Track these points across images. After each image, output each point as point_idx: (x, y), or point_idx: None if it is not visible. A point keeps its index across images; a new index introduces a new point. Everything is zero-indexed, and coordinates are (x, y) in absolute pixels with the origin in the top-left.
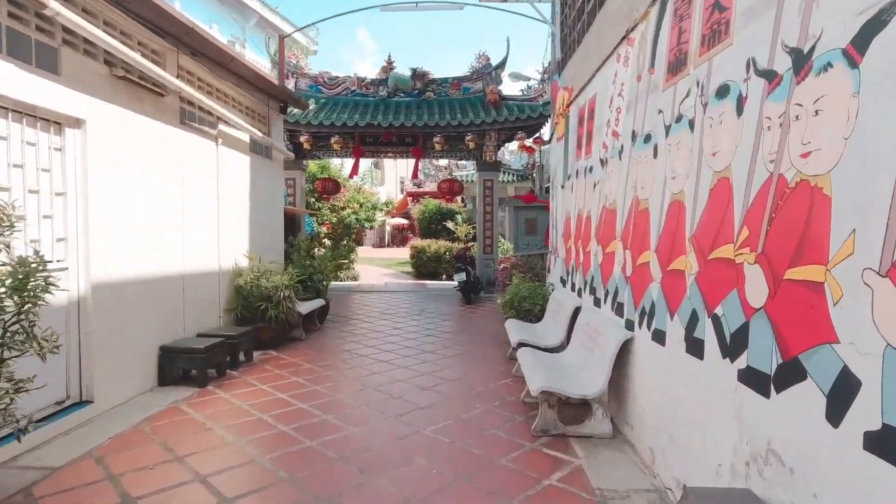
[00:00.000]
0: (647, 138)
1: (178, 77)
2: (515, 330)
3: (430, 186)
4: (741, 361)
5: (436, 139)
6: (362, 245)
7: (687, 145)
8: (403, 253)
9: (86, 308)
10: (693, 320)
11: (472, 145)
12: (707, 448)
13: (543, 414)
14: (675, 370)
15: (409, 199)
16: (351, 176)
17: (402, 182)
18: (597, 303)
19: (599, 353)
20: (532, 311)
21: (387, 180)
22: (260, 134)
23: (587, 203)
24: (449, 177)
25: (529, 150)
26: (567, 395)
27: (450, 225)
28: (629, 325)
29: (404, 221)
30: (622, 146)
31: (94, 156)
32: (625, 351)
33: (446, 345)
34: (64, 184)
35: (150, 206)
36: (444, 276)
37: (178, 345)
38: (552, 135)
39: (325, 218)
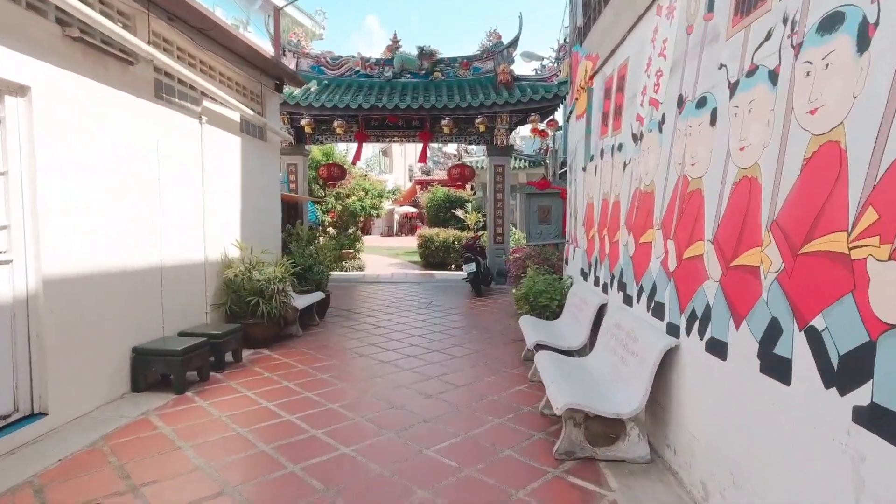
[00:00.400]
0: (702, 102)
1: (150, 44)
2: (531, 328)
3: (440, 174)
4: (860, 396)
5: (444, 122)
6: (370, 234)
7: (765, 104)
8: (412, 242)
9: (36, 306)
10: (773, 332)
11: (482, 128)
12: (796, 502)
13: (568, 434)
14: (741, 393)
15: (418, 186)
16: (354, 162)
17: (410, 170)
18: (627, 300)
19: (636, 362)
20: (549, 307)
21: (395, 168)
22: (251, 112)
23: (615, 186)
24: (459, 162)
25: (542, 134)
26: (597, 412)
27: (459, 213)
28: (672, 330)
29: (413, 210)
30: (663, 116)
31: (43, 129)
32: (665, 358)
33: (455, 343)
34: (5, 161)
35: (119, 189)
36: (452, 266)
37: (153, 346)
38: (570, 113)
39: (330, 206)
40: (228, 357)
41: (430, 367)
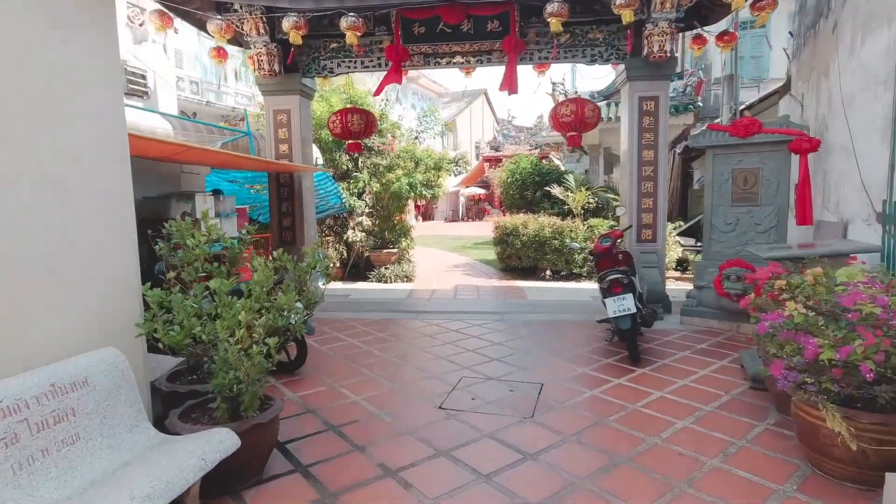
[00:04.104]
0: None
1: None
2: None
3: (510, 149)
4: None
5: (549, 10)
6: (432, 219)
7: None
8: (481, 229)
9: None
10: None
11: (627, 18)
12: None
13: None
14: None
15: (486, 164)
16: (378, 91)
17: (477, 146)
18: None
19: None
20: None
21: (461, 143)
22: None
23: None
24: (573, 96)
25: (729, 38)
26: None
27: (556, 191)
28: None
29: (481, 191)
30: None
31: None
32: None
33: None
34: None
35: None
36: (547, 274)
37: None
38: None
39: (364, 183)
40: None
41: None
